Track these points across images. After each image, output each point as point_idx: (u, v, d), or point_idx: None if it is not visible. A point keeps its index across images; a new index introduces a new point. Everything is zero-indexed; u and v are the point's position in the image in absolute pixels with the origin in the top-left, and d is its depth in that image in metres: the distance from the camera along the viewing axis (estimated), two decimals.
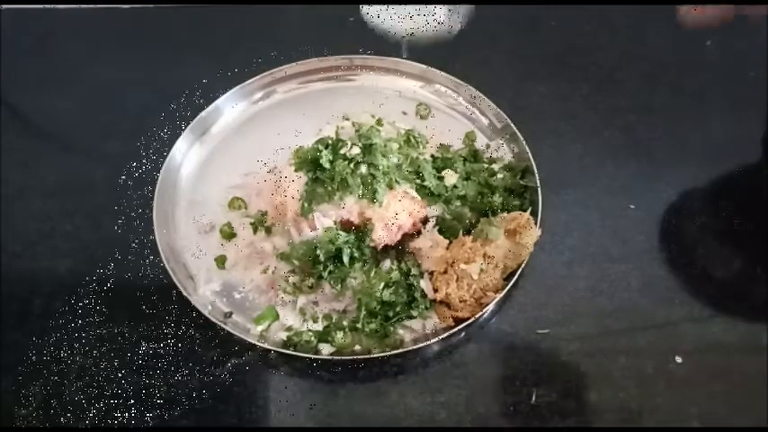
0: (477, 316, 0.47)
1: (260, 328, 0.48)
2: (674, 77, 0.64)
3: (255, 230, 0.54)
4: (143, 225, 0.55)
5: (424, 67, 0.62)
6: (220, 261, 0.52)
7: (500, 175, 0.55)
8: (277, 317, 0.49)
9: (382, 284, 0.49)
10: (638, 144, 0.60)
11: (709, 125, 0.61)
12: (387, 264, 0.50)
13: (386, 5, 0.69)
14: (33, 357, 0.48)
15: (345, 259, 0.48)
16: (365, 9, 0.69)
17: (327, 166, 0.49)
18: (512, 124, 0.57)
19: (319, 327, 0.49)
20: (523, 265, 0.50)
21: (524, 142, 0.56)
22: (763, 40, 0.66)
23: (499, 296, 0.48)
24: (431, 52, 0.64)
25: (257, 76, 0.62)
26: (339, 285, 0.49)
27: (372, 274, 0.49)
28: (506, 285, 0.48)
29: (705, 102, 0.63)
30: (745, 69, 0.65)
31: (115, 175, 0.59)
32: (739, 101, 0.62)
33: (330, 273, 0.49)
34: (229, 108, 0.61)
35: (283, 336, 0.48)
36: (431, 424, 0.46)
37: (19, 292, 0.53)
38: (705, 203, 0.57)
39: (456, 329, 0.47)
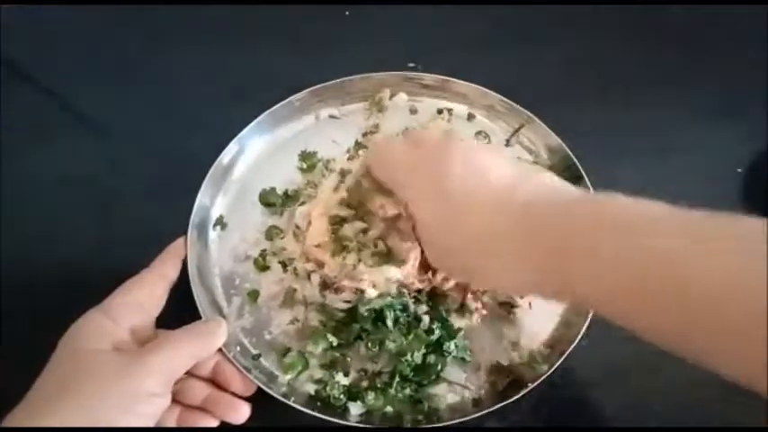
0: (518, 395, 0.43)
1: (288, 376, 0.46)
2: None
3: (285, 268, 0.50)
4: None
5: (481, 89, 0.57)
6: (253, 296, 0.50)
7: None
8: (307, 365, 0.47)
9: (423, 348, 0.45)
10: None
11: None
12: (425, 320, 0.47)
13: None
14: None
15: (389, 323, 0.45)
16: None
17: None
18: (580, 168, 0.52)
19: (349, 382, 0.46)
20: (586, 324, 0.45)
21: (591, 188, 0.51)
22: None
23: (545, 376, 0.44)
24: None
25: (304, 91, 0.57)
26: (377, 347, 0.46)
27: (411, 336, 0.45)
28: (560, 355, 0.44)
29: None
30: None
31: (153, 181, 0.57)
32: None
33: (368, 334, 0.45)
34: (278, 121, 0.57)
35: (311, 389, 0.46)
36: None
37: (25, 291, 0.51)
38: None
39: (483, 413, 0.43)
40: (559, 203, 0.35)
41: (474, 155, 0.38)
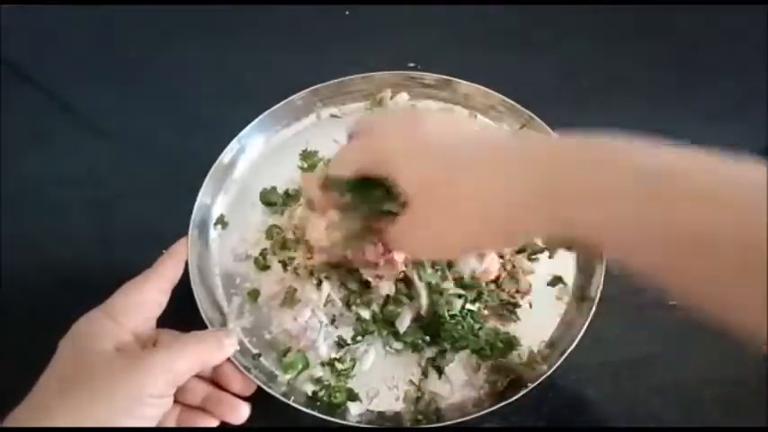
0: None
1: (288, 376, 0.46)
2: None
3: (285, 267, 0.50)
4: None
5: (482, 89, 0.57)
6: (253, 295, 0.50)
7: None
8: (307, 365, 0.47)
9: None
10: None
11: None
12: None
13: None
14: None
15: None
16: None
17: None
18: None
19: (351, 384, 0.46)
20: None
21: None
22: None
23: (545, 376, 0.44)
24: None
25: (305, 90, 0.57)
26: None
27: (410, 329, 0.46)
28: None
29: None
30: None
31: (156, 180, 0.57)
32: None
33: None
34: (278, 121, 0.57)
35: (309, 390, 0.46)
36: None
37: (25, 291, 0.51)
38: None
39: (483, 413, 0.43)
40: (552, 141, 0.33)
41: (445, 118, 0.39)
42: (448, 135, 0.35)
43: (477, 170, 0.33)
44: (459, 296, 0.47)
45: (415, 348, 0.47)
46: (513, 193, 0.32)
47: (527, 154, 0.32)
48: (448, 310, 0.46)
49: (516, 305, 0.48)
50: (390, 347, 0.47)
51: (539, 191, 0.31)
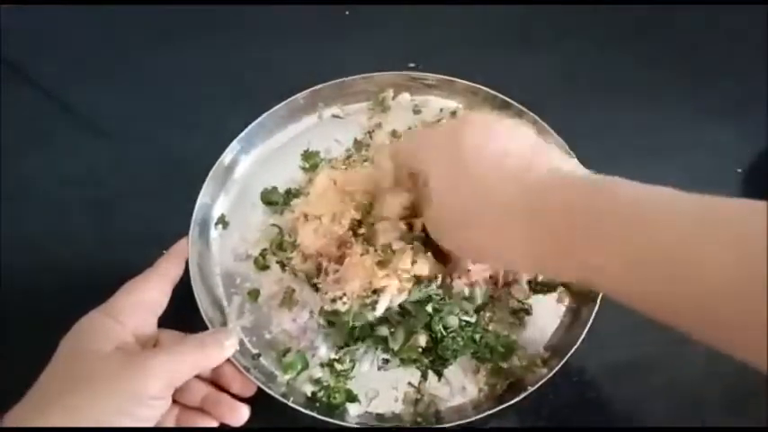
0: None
1: (287, 376, 0.46)
2: None
3: (283, 268, 0.50)
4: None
5: (483, 89, 0.57)
6: (253, 295, 0.50)
7: None
8: (307, 365, 0.47)
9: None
10: None
11: None
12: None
13: None
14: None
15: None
16: None
17: None
18: None
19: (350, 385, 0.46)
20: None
21: None
22: None
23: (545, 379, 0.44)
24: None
25: (306, 90, 0.57)
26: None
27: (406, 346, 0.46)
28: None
29: None
30: None
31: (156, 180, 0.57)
32: None
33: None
34: (279, 121, 0.57)
35: (309, 390, 0.46)
36: None
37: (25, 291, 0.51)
38: None
39: (483, 415, 0.43)
40: (567, 186, 0.34)
41: (492, 129, 0.38)
42: (487, 160, 0.37)
43: (500, 213, 0.36)
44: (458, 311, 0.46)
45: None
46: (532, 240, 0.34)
47: (542, 206, 0.34)
48: (444, 326, 0.45)
49: (528, 312, 0.48)
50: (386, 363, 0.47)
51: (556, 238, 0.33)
